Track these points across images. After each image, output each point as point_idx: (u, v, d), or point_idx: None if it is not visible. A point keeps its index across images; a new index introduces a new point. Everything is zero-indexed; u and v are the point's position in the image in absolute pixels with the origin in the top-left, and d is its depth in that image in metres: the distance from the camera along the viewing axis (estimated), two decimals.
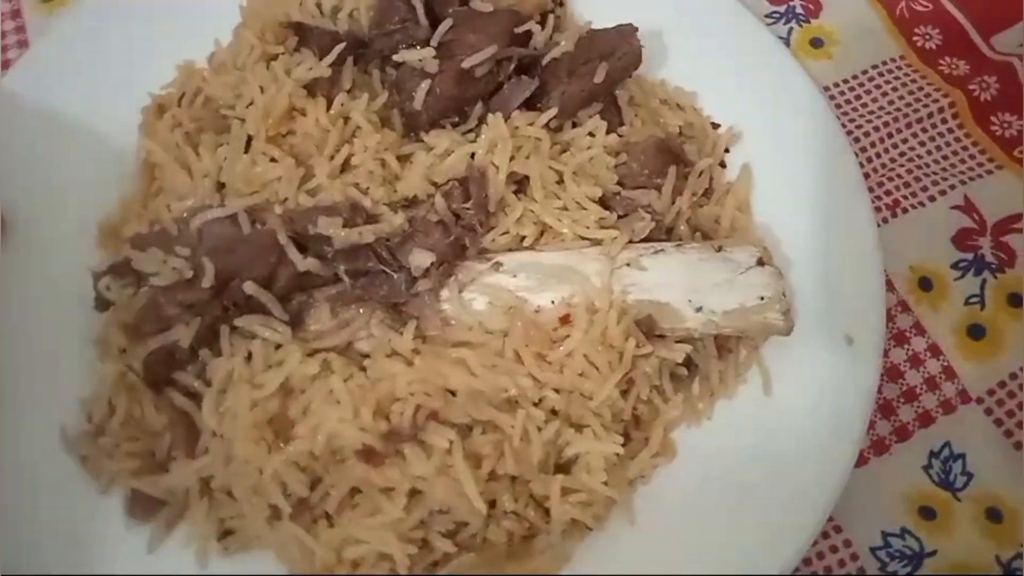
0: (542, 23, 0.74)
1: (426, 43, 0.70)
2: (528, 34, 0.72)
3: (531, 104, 0.71)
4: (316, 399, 0.59)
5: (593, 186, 0.69)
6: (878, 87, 0.87)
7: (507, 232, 0.67)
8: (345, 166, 0.69)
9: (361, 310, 0.63)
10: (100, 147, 0.72)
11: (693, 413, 0.66)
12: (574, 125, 0.73)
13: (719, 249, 0.66)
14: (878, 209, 0.79)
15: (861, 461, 0.70)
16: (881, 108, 0.86)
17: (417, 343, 0.62)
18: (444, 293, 0.64)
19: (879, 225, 0.77)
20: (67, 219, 0.70)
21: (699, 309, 0.63)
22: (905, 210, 0.80)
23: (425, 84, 0.69)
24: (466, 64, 0.68)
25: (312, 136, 0.68)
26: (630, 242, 0.67)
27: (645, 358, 0.63)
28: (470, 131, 0.71)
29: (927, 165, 0.82)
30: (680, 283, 0.64)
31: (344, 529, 0.58)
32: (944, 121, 0.85)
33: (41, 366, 0.64)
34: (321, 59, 0.70)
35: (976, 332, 0.75)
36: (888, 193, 0.81)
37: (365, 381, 0.60)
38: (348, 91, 0.71)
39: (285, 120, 0.69)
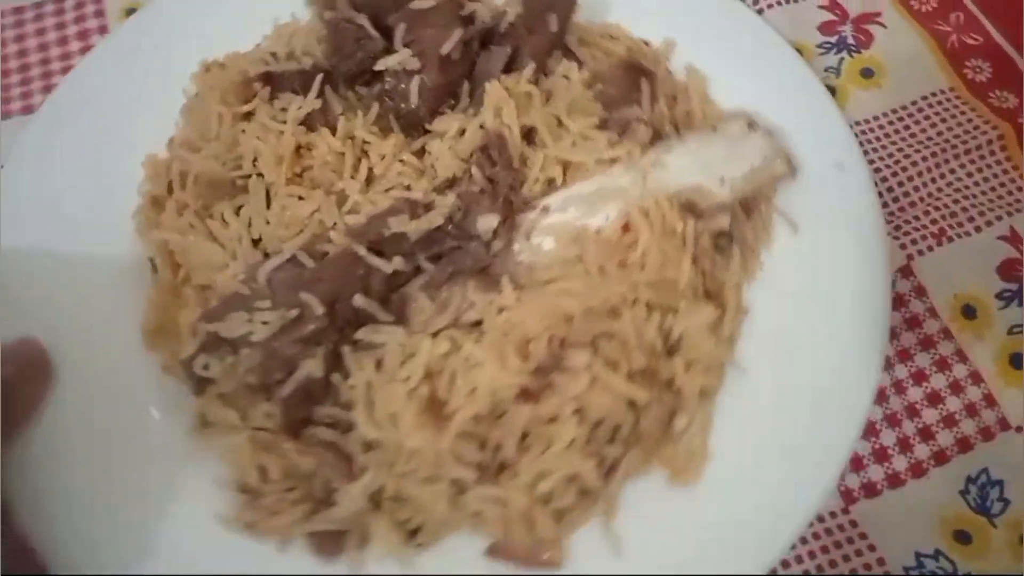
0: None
1: (386, 53, 0.78)
2: (473, 14, 0.81)
3: (506, 70, 0.80)
4: (459, 370, 0.66)
5: (589, 117, 0.78)
6: (927, 118, 0.90)
7: (537, 180, 0.76)
8: (369, 180, 0.76)
9: (454, 287, 0.71)
10: (99, 260, 0.76)
11: (746, 272, 0.75)
12: (545, 76, 0.82)
13: (715, 129, 0.78)
14: (924, 238, 0.82)
15: (898, 483, 0.72)
16: (929, 139, 0.89)
17: (517, 293, 0.70)
18: (515, 247, 0.73)
19: (923, 253, 0.81)
20: (104, 339, 0.73)
21: (723, 181, 0.74)
22: (951, 239, 0.83)
23: (415, 80, 0.76)
24: (443, 51, 0.76)
25: (329, 163, 0.75)
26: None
27: (701, 235, 0.73)
28: (465, 110, 0.79)
29: (974, 196, 0.85)
30: (697, 167, 0.75)
31: (529, 470, 0.64)
32: (992, 153, 0.88)
33: (147, 481, 0.68)
34: (306, 96, 0.78)
35: (1018, 361, 0.77)
36: (934, 222, 0.84)
37: (493, 339, 0.67)
38: (341, 115, 0.78)
39: (296, 160, 0.76)
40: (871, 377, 0.69)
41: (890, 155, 0.88)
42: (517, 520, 0.64)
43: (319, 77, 0.77)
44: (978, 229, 0.84)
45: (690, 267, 0.70)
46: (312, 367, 0.65)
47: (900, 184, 0.86)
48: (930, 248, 0.83)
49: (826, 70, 0.94)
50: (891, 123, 0.91)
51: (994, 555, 0.70)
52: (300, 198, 0.73)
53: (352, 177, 0.75)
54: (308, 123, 0.76)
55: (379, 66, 0.77)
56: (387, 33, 0.79)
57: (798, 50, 0.94)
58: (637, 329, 0.68)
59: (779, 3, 0.98)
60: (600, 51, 0.85)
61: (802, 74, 0.84)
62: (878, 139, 0.90)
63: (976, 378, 0.77)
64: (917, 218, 0.84)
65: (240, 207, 0.76)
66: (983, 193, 0.86)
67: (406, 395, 0.65)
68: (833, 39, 0.97)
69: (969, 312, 0.80)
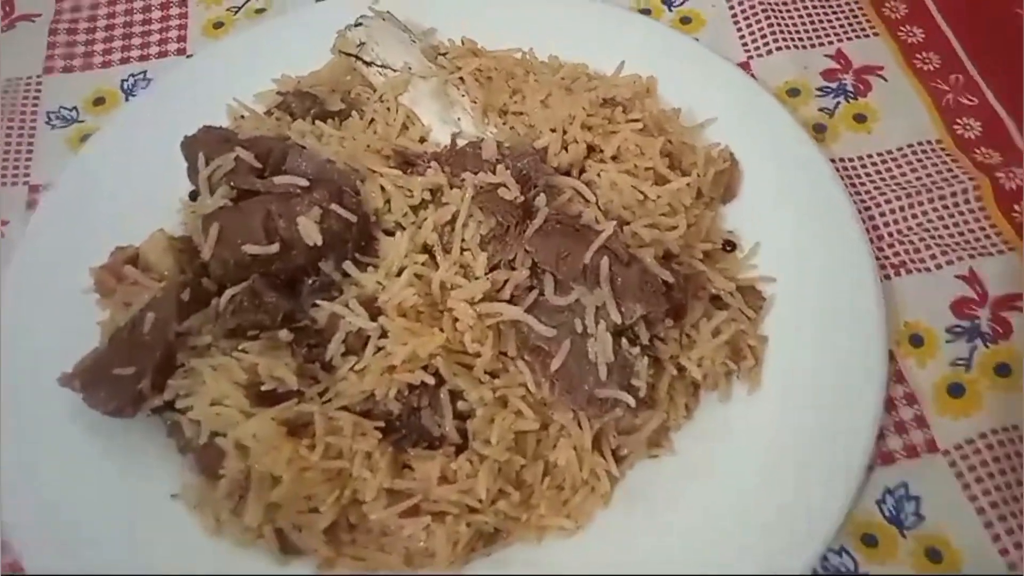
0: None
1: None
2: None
3: None
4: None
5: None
6: (909, 163, 0.96)
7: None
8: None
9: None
10: None
11: None
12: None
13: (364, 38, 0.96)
14: (883, 267, 0.86)
15: None
16: (908, 182, 0.95)
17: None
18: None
19: (880, 282, 0.83)
20: None
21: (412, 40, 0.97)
22: (909, 271, 0.86)
23: (346, 198, 0.80)
24: (324, 156, 0.85)
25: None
26: None
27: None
28: None
29: (940, 237, 0.89)
30: (406, 49, 0.95)
31: None
32: (967, 201, 0.92)
33: None
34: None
35: (956, 391, 0.80)
36: (896, 255, 0.89)
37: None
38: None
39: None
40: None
41: (867, 191, 0.94)
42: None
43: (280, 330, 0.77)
44: (938, 267, 0.88)
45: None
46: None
47: (871, 218, 0.91)
48: (887, 277, 0.86)
49: (820, 110, 1.00)
50: (874, 164, 0.97)
51: (897, 562, 0.72)
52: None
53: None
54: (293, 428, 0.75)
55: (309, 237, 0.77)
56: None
57: (796, 90, 1.01)
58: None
59: (787, 47, 1.05)
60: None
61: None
62: (859, 176, 0.95)
63: (911, 399, 0.81)
64: (881, 250, 0.88)
65: None
66: (950, 236, 0.90)
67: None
68: (833, 84, 1.03)
69: (916, 340, 0.84)
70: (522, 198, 0.78)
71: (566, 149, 0.85)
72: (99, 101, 1.07)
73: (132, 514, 0.76)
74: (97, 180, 0.94)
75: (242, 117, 0.96)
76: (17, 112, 1.06)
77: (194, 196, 0.86)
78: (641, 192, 0.82)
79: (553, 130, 0.86)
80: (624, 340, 0.74)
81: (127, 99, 1.07)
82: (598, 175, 0.83)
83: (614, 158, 0.85)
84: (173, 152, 0.87)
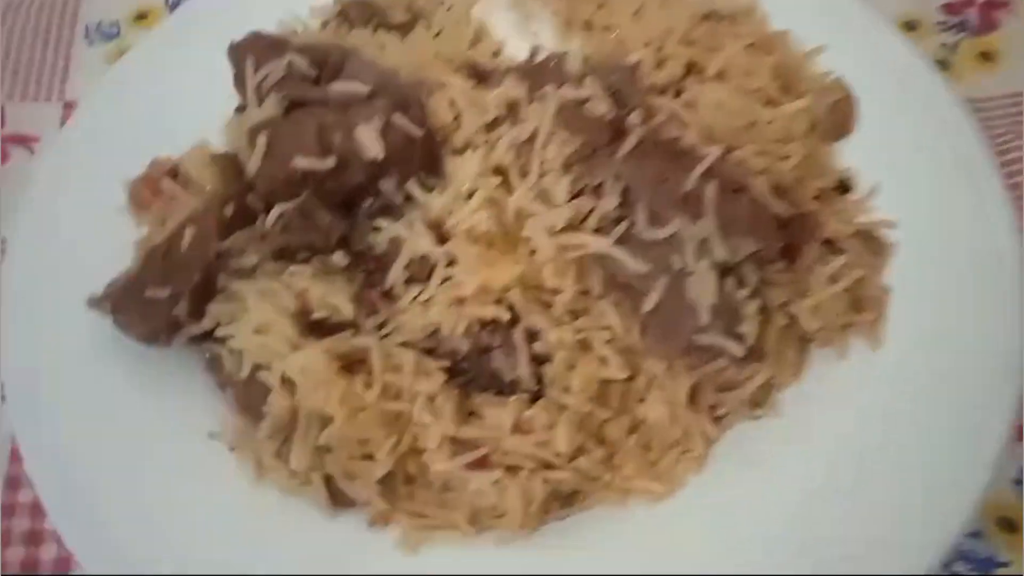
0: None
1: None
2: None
3: None
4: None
5: None
6: None
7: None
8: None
9: None
10: None
11: None
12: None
13: None
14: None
15: None
16: None
17: None
18: None
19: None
20: None
21: None
22: None
23: (408, 109, 0.70)
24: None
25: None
26: None
27: None
28: None
29: None
30: None
31: None
32: None
33: None
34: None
35: None
36: None
37: None
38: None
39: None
40: None
41: (999, 135, 0.83)
42: None
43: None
44: None
45: None
46: None
47: (1005, 164, 0.80)
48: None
49: (942, 46, 0.90)
50: (1002, 107, 0.86)
51: None
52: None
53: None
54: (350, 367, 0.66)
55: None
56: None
57: (913, 23, 0.91)
58: None
59: None
60: None
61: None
62: (988, 119, 0.84)
63: None
64: (1019, 198, 0.77)
65: None
66: None
67: None
68: (956, 19, 0.92)
69: None
70: (613, 114, 0.69)
71: (661, 66, 0.76)
72: (141, 16, 1.00)
73: (166, 453, 0.68)
74: (134, 94, 0.85)
75: (295, 32, 0.87)
76: (54, 26, 0.99)
77: (241, 110, 0.78)
78: (752, 115, 0.71)
79: (647, 45, 0.76)
80: (729, 281, 0.65)
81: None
82: (700, 95, 0.73)
83: (718, 77, 0.75)
84: (217, 68, 0.76)
